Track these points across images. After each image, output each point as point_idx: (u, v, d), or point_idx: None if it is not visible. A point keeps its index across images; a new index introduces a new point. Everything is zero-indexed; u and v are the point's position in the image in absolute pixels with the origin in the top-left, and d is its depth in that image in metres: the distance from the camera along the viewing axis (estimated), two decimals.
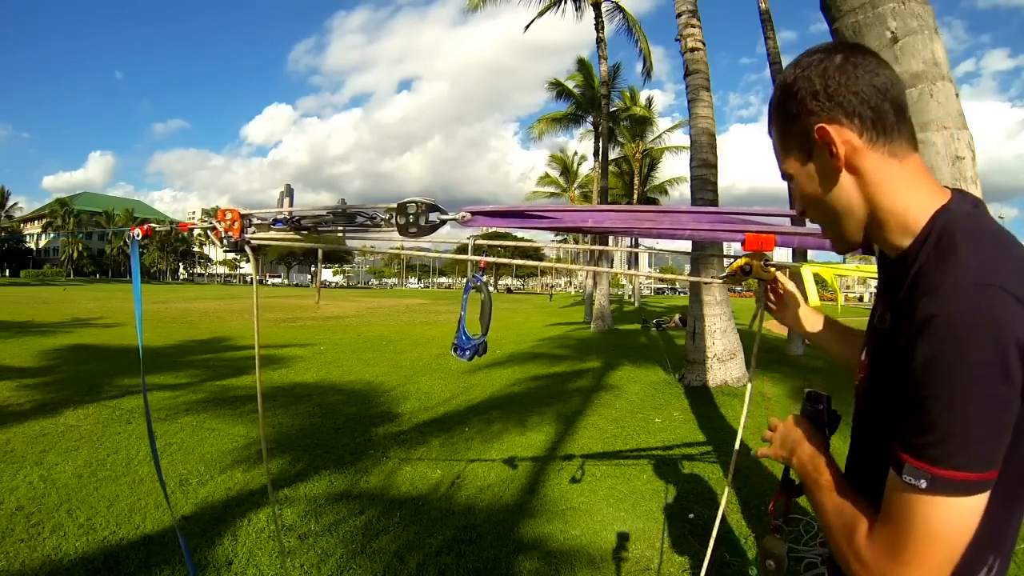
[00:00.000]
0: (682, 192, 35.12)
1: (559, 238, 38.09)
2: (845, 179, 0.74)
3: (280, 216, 1.36)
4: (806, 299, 1.30)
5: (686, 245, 8.04)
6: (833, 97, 0.72)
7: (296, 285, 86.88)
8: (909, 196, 0.73)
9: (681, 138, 28.28)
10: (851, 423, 0.90)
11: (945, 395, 0.61)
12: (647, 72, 18.85)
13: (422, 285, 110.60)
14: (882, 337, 0.75)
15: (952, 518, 0.63)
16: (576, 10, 16.85)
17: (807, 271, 1.60)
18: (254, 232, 1.35)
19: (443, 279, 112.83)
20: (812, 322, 1.24)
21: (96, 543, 2.73)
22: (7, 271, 73.38)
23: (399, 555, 2.72)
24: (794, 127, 0.76)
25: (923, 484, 0.63)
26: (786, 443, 0.92)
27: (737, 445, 1.48)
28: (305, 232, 1.36)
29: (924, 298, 0.65)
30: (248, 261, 1.40)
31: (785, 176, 0.82)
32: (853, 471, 0.85)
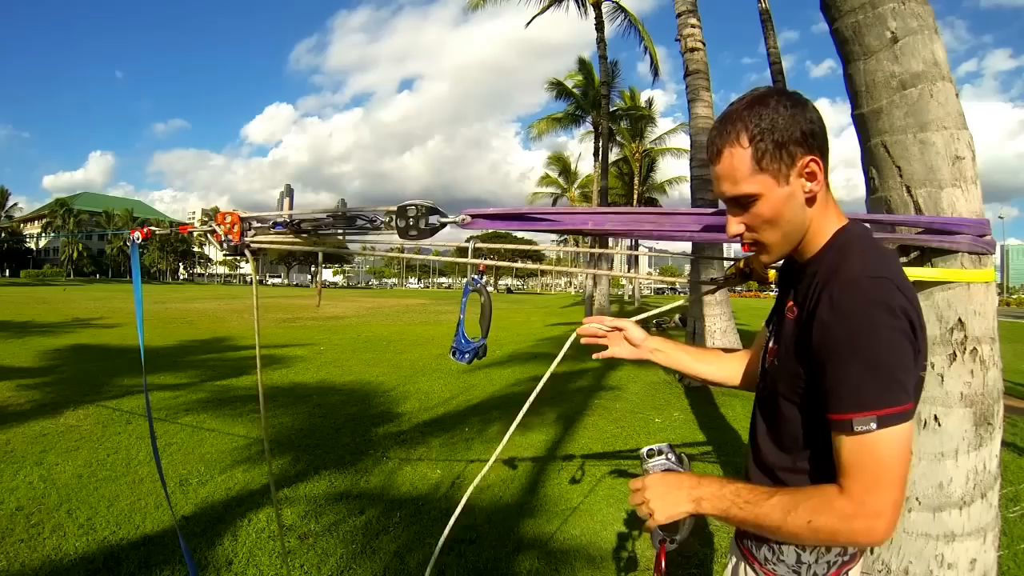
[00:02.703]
0: (682, 192, 35.15)
1: (559, 239, 38.09)
2: (811, 205, 0.91)
3: (280, 219, 1.36)
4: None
5: (686, 246, 8.01)
6: (818, 137, 0.88)
7: (296, 285, 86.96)
8: (828, 218, 0.94)
9: (681, 140, 28.27)
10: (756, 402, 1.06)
11: (870, 355, 0.80)
12: (654, 71, 18.82)
13: (422, 285, 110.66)
14: (794, 325, 0.93)
15: (900, 441, 0.81)
16: (580, 8, 16.84)
17: None
18: (254, 235, 1.35)
19: (443, 279, 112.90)
20: (655, 349, 1.28)
21: (96, 543, 2.73)
22: (7, 271, 73.38)
23: (399, 555, 2.72)
24: (779, 153, 0.87)
25: (873, 426, 0.79)
26: (678, 500, 0.94)
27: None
28: (305, 235, 1.36)
29: (835, 289, 0.84)
30: (248, 262, 1.40)
31: (742, 199, 0.91)
32: (764, 442, 1.00)
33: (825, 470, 0.88)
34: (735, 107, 0.91)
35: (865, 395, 0.80)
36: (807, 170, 0.88)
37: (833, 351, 0.82)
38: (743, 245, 0.98)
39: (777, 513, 0.85)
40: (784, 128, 0.86)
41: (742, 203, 0.92)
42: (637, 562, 2.74)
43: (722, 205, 1.01)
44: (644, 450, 1.08)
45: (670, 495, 0.95)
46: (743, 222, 0.94)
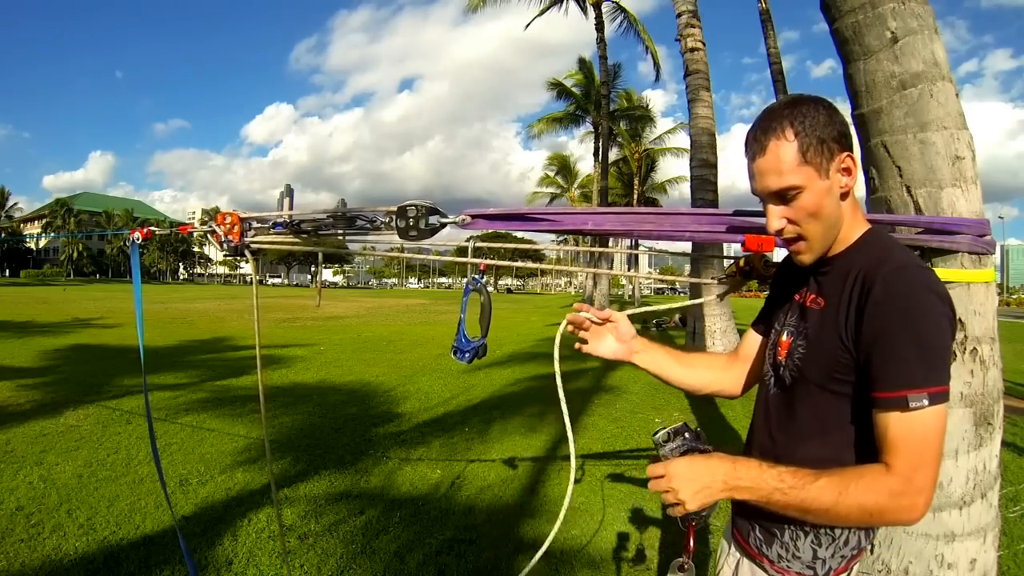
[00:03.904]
0: (682, 192, 35.11)
1: (559, 239, 38.09)
2: (844, 200, 0.96)
3: (280, 220, 1.36)
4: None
5: (686, 246, 8.04)
6: (849, 138, 0.95)
7: (296, 285, 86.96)
8: (857, 217, 0.99)
9: (681, 140, 28.26)
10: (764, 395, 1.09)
11: (923, 334, 0.85)
12: (656, 70, 18.85)
13: (422, 285, 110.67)
14: (824, 314, 0.97)
15: (943, 419, 0.85)
16: (580, 8, 16.84)
17: None
18: (254, 235, 1.34)
19: (443, 279, 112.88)
20: (638, 352, 1.21)
21: (96, 543, 2.73)
22: (7, 271, 73.38)
23: (399, 555, 2.72)
24: (821, 147, 0.92)
25: (925, 403, 0.83)
26: (712, 489, 0.90)
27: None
28: (305, 235, 1.36)
29: (887, 274, 0.88)
30: (248, 262, 1.40)
31: (786, 191, 0.93)
32: (782, 434, 1.02)
33: (857, 454, 0.91)
34: (775, 107, 0.95)
35: (919, 372, 0.83)
36: (843, 165, 0.93)
37: (886, 331, 0.86)
38: (783, 243, 1.00)
39: (827, 496, 0.84)
40: (824, 126, 0.92)
41: (785, 196, 0.94)
42: (637, 562, 2.74)
43: (722, 205, 1.01)
44: (658, 435, 1.02)
45: (701, 482, 0.89)
46: (785, 216, 0.96)
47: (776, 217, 0.96)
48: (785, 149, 0.92)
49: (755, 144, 0.95)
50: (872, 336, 0.87)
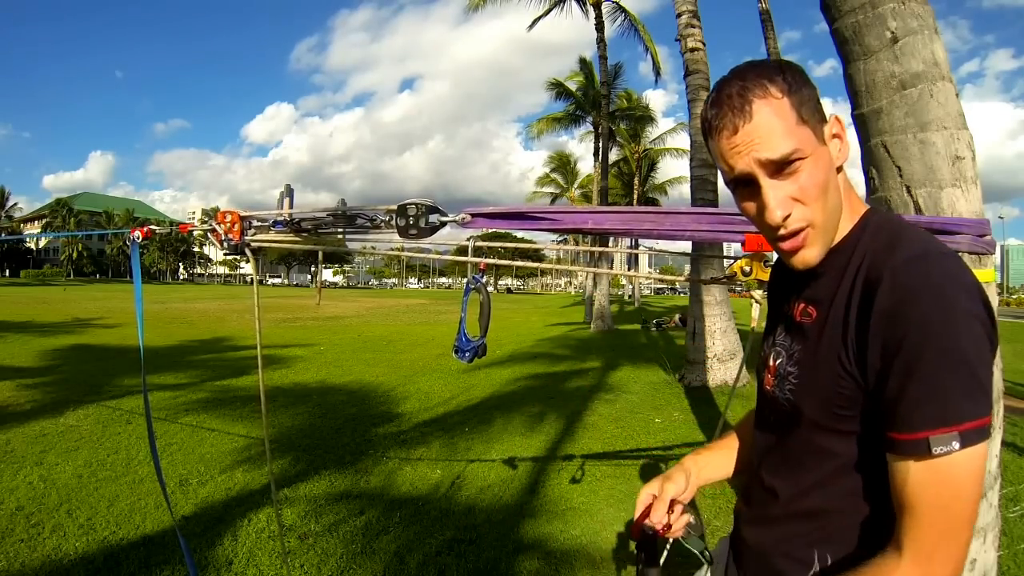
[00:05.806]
0: (682, 192, 35.18)
1: (559, 239, 38.11)
2: (837, 172, 0.74)
3: (280, 218, 1.37)
4: None
5: (686, 246, 8.03)
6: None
7: (296, 285, 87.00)
8: (852, 198, 0.76)
9: (681, 140, 28.26)
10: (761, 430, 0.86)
11: (949, 350, 0.61)
12: (656, 71, 18.84)
13: (422, 285, 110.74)
14: (820, 328, 0.74)
15: (980, 467, 0.63)
16: (581, 8, 16.84)
17: None
18: (254, 234, 1.35)
19: (443, 279, 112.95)
20: (699, 484, 1.02)
21: (96, 543, 2.73)
22: (7, 271, 73.43)
23: (399, 555, 2.72)
24: (816, 105, 0.70)
25: (956, 446, 0.61)
26: None
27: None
28: (305, 234, 1.36)
29: (896, 268, 0.65)
30: (248, 262, 1.40)
31: (789, 159, 0.68)
32: (784, 487, 0.79)
33: (870, 504, 0.72)
34: (741, 68, 0.71)
35: (943, 404, 0.61)
36: (834, 130, 0.72)
37: (900, 347, 0.63)
38: (781, 240, 0.73)
39: None
40: (806, 82, 0.71)
41: (785, 168, 0.69)
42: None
43: (722, 205, 0.97)
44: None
45: None
46: (791, 196, 0.69)
47: (779, 200, 0.69)
48: (778, 107, 0.67)
49: (729, 113, 0.68)
50: (882, 355, 0.64)
